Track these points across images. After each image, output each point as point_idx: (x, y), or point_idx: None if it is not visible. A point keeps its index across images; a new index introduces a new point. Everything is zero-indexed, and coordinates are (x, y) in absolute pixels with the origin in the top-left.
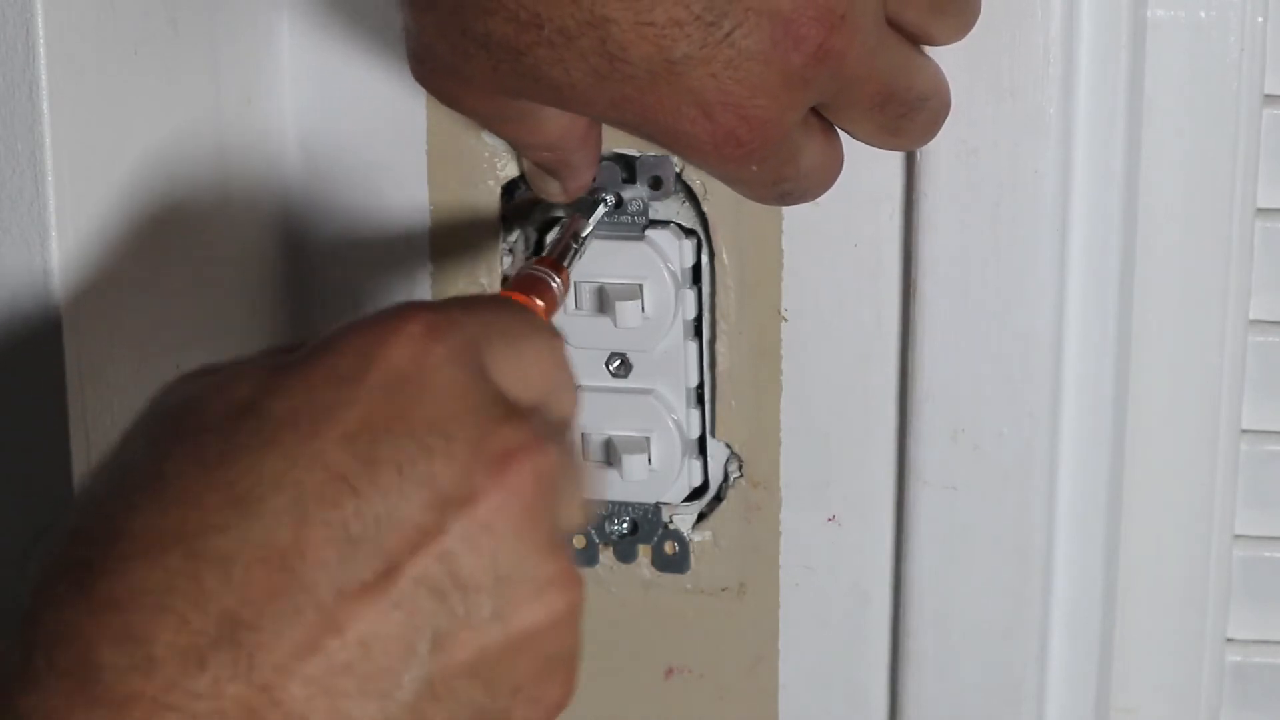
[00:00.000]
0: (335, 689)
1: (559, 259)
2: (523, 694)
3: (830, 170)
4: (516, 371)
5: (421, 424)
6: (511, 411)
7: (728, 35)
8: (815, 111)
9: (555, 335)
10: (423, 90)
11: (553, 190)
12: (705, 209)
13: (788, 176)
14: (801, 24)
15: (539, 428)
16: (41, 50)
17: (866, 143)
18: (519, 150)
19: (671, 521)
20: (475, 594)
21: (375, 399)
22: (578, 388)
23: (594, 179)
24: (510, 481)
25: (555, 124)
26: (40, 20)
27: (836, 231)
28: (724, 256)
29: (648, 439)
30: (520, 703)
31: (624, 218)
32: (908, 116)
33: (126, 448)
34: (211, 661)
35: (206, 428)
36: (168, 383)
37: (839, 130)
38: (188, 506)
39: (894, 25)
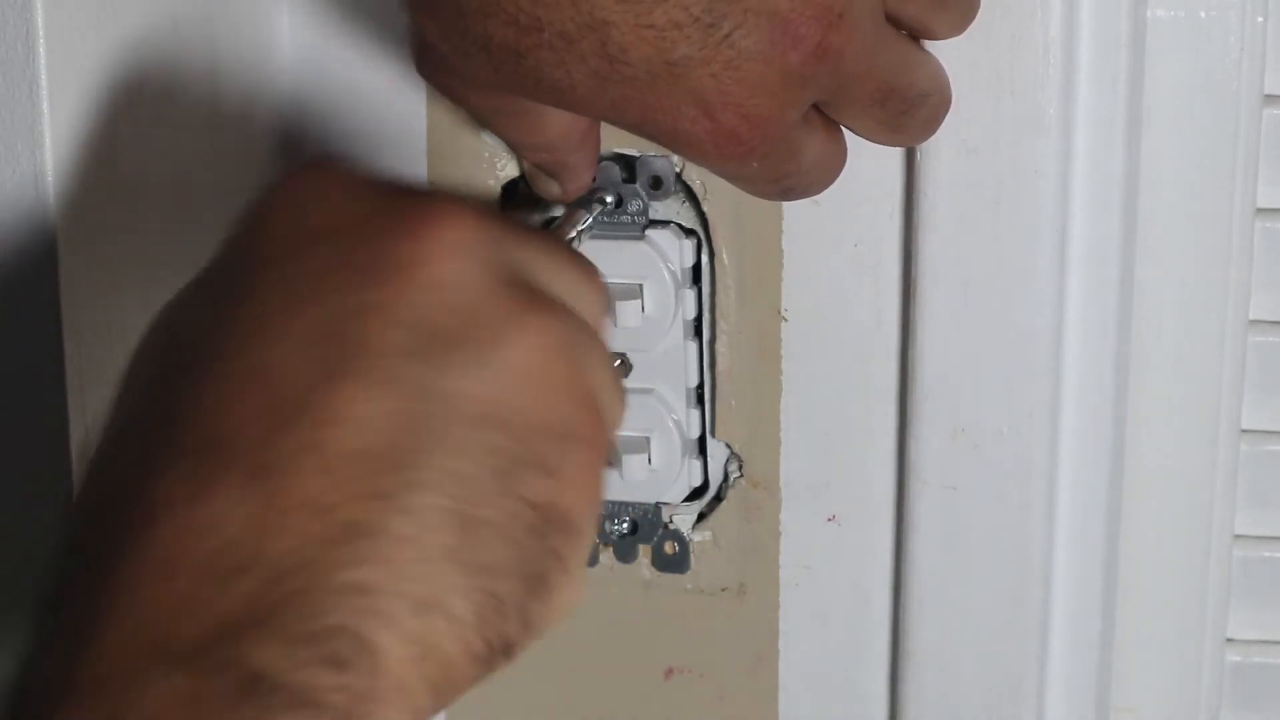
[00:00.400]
0: (352, 474)
1: None
2: (548, 432)
3: (833, 166)
4: (534, 264)
5: (356, 220)
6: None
7: (727, 36)
8: (816, 108)
9: (579, 256)
10: (423, 90)
11: (552, 191)
12: (705, 209)
13: (789, 173)
14: (800, 23)
15: (455, 198)
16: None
17: (868, 139)
18: (519, 150)
19: (671, 521)
20: (450, 344)
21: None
22: (605, 294)
23: (593, 180)
24: (439, 236)
25: (556, 123)
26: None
27: (836, 231)
28: (724, 256)
29: (648, 439)
30: (551, 441)
31: (624, 218)
32: (908, 113)
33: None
34: (217, 488)
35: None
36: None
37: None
38: (163, 385)
39: (893, 21)
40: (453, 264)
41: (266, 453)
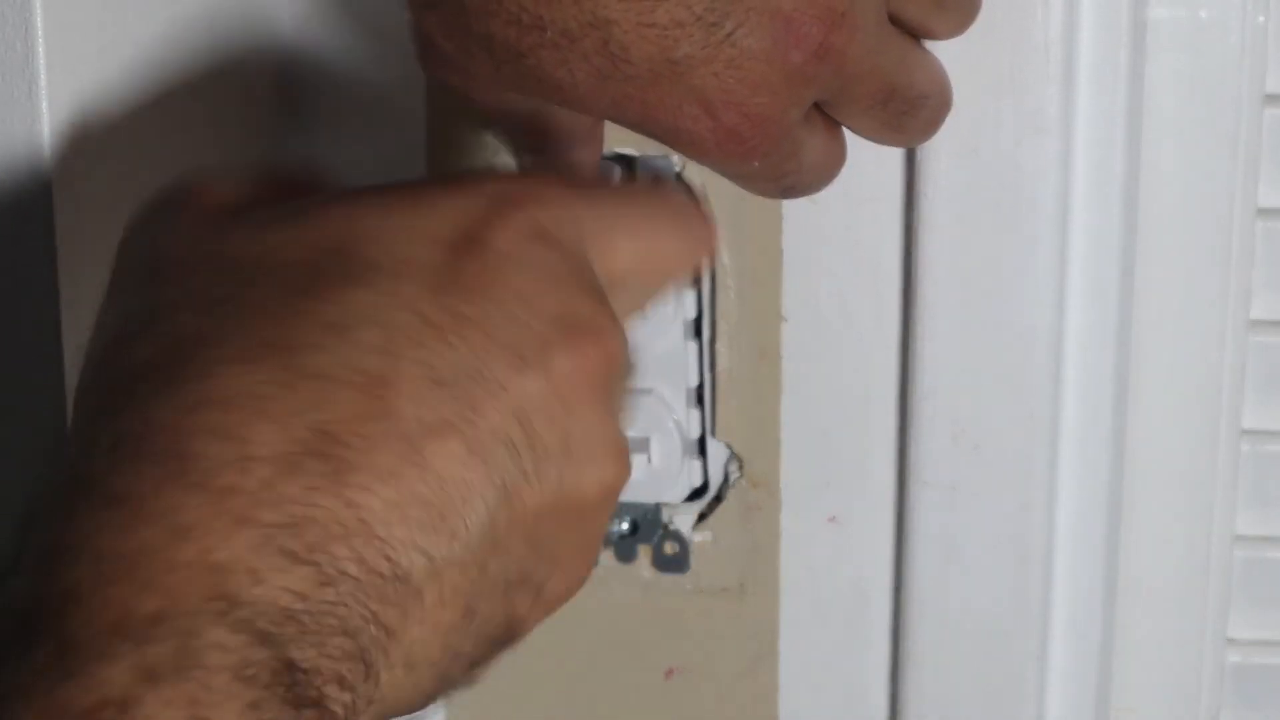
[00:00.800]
0: (410, 517)
1: None
2: (560, 565)
3: (833, 164)
4: (614, 241)
5: (510, 293)
6: (594, 290)
7: (729, 35)
8: (817, 107)
9: (672, 200)
10: (422, 89)
11: None
12: (705, 209)
13: (790, 171)
14: (803, 22)
15: (622, 305)
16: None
17: (868, 139)
18: (522, 147)
19: (671, 522)
20: (544, 455)
21: (469, 264)
22: (700, 236)
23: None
24: (586, 360)
25: (560, 120)
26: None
27: (836, 231)
28: (724, 256)
29: (648, 439)
30: (557, 573)
31: None
32: (909, 113)
33: (192, 273)
34: (304, 469)
35: (289, 262)
36: (215, 201)
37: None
38: (280, 324)
39: (895, 21)
40: (583, 391)
41: (356, 458)
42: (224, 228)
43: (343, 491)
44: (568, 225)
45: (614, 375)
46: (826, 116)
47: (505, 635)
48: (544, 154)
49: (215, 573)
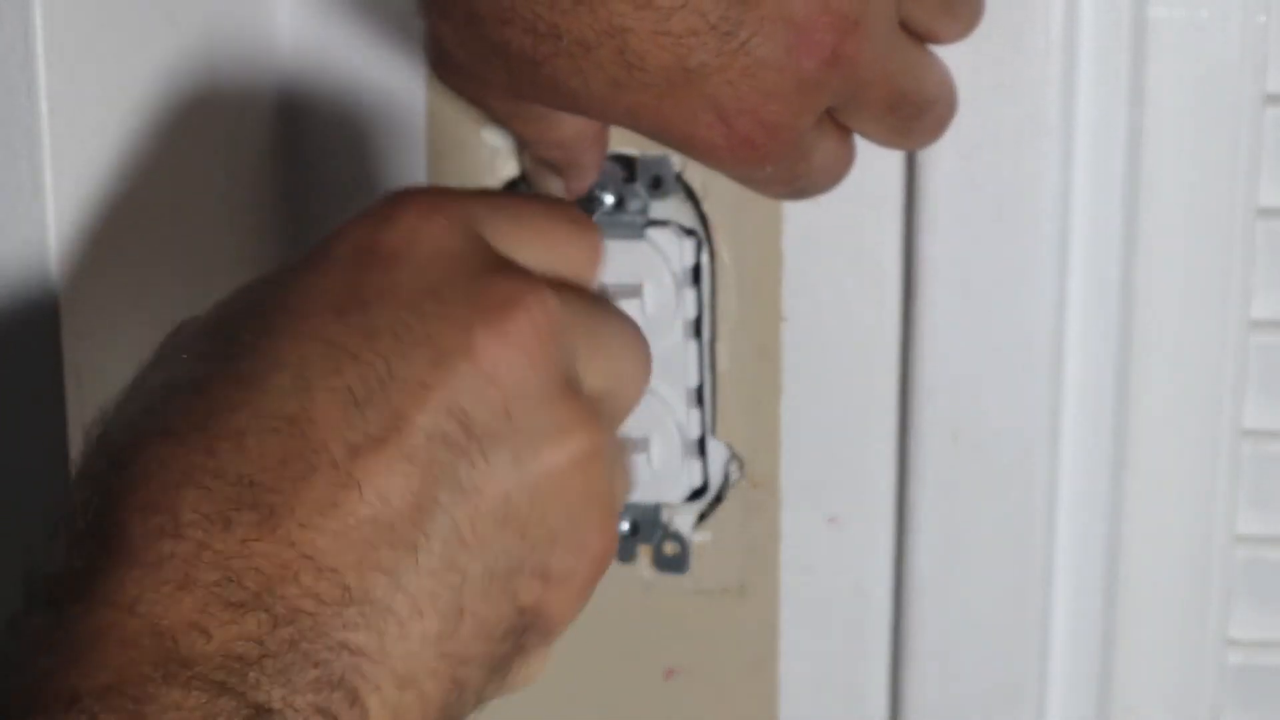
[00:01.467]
0: (361, 540)
1: None
2: (560, 542)
3: (842, 167)
4: (516, 236)
5: (415, 292)
6: (503, 265)
7: (744, 44)
8: (827, 112)
9: (569, 208)
10: (423, 90)
11: (555, 188)
12: (705, 209)
13: (801, 175)
14: (815, 30)
15: (538, 279)
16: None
17: (876, 143)
18: (532, 148)
19: (672, 522)
20: (490, 442)
21: (368, 276)
22: (597, 246)
23: (597, 179)
24: (508, 330)
25: (570, 124)
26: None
27: (836, 231)
28: (724, 256)
29: (648, 439)
30: (559, 552)
31: (624, 218)
32: (917, 118)
33: (149, 369)
34: (236, 522)
35: (206, 333)
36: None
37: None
38: (200, 394)
39: (903, 26)
40: (515, 363)
41: (287, 499)
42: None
43: (280, 534)
44: (453, 207)
45: (550, 337)
46: (836, 121)
47: (525, 626)
48: (553, 156)
49: (163, 638)
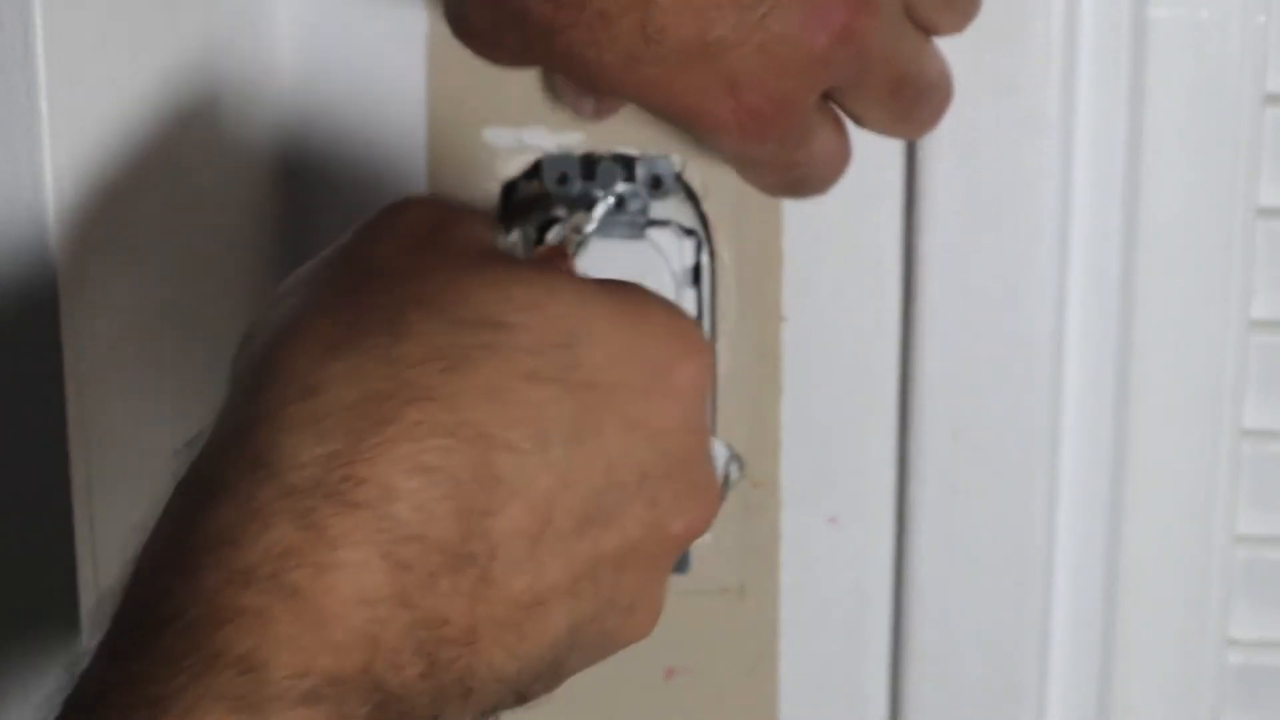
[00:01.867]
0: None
1: (562, 249)
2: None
3: (839, 159)
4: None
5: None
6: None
7: (763, 18)
8: (827, 99)
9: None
10: (423, 91)
11: (586, 109)
12: (705, 209)
13: (800, 161)
14: (830, 6)
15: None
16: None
17: (875, 129)
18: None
19: None
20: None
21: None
22: None
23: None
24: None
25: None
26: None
27: (836, 232)
28: (724, 256)
29: None
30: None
31: (624, 218)
32: (918, 103)
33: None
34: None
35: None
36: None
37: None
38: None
39: (907, 14)
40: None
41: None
42: None
43: None
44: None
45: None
46: (835, 112)
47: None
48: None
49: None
